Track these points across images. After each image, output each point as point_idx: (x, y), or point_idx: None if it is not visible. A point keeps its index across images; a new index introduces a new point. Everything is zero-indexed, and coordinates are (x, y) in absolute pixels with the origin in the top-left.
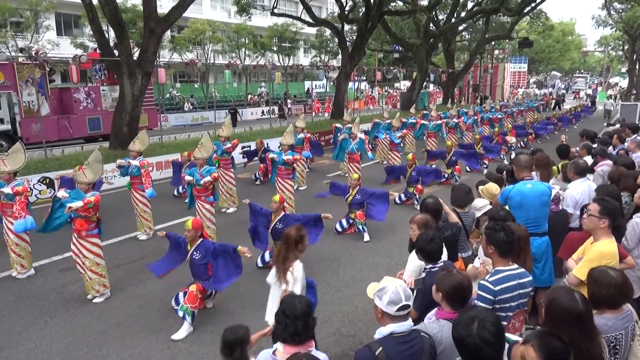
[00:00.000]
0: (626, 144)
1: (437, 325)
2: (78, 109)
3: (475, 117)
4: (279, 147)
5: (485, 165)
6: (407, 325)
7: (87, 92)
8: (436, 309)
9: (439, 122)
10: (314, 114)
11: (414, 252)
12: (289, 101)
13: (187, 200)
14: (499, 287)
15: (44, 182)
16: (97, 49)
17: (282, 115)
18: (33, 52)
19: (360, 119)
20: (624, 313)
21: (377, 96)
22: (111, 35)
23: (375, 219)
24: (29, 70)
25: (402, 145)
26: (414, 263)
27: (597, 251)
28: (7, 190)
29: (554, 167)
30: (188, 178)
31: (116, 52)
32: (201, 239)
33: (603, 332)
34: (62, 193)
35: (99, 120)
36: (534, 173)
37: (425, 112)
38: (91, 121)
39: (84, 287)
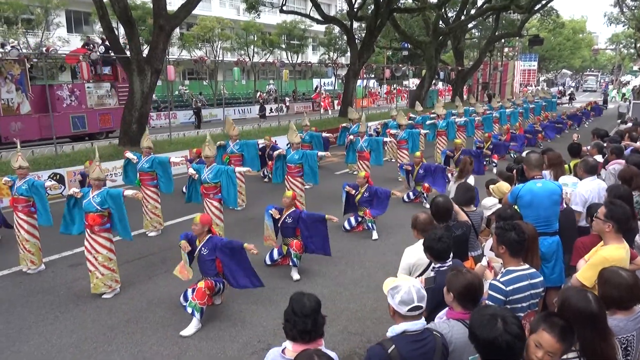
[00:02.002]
0: (638, 143)
1: (447, 325)
2: (61, 106)
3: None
4: (287, 145)
5: (494, 164)
6: (420, 324)
7: (70, 90)
8: (447, 308)
9: (464, 119)
10: (322, 110)
11: (406, 250)
12: (287, 99)
13: (186, 195)
14: (510, 287)
15: (55, 178)
16: (84, 45)
17: (263, 116)
18: (42, 49)
19: (368, 117)
20: (635, 314)
21: (381, 93)
22: (121, 32)
23: (372, 214)
24: (7, 67)
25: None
26: (405, 261)
27: (602, 256)
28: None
29: (565, 166)
30: (191, 171)
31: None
32: (209, 235)
33: (614, 333)
34: (73, 190)
35: (83, 119)
36: (545, 172)
37: (433, 112)
38: (75, 119)
39: (91, 285)
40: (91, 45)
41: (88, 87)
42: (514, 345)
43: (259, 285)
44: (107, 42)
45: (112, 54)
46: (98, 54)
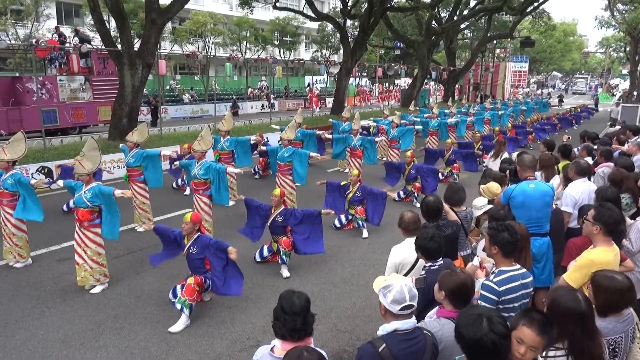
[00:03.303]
0: (626, 146)
1: (437, 323)
2: (30, 100)
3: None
4: (278, 141)
5: (484, 165)
6: (411, 322)
7: (41, 82)
8: (437, 307)
9: (455, 119)
10: (311, 108)
11: (393, 249)
12: (272, 96)
13: (186, 193)
14: (503, 288)
15: (42, 171)
16: (55, 36)
17: (235, 113)
18: (31, 40)
19: (360, 115)
20: (624, 316)
21: (373, 91)
22: (112, 25)
23: (371, 222)
24: None
25: (400, 142)
26: (392, 260)
27: (588, 258)
28: (10, 180)
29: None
30: (175, 163)
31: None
32: (198, 234)
33: (603, 335)
34: (60, 183)
35: (54, 113)
36: (537, 173)
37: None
38: (46, 113)
39: (78, 279)
40: (63, 37)
41: (60, 80)
42: (499, 345)
43: (237, 294)
44: (80, 34)
45: (87, 45)
46: (90, 46)
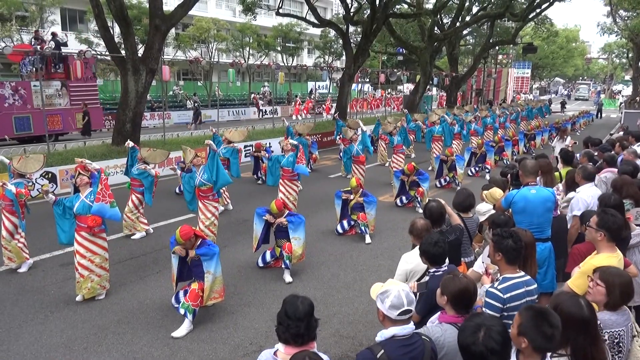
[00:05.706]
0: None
1: (439, 328)
2: (2, 106)
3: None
4: (281, 150)
5: (487, 170)
6: (409, 328)
7: (14, 88)
8: (439, 312)
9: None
10: (294, 117)
11: (403, 256)
12: (260, 102)
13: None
14: (508, 295)
15: (47, 176)
16: (33, 41)
17: (199, 122)
18: (35, 46)
19: (364, 121)
20: (624, 310)
21: (375, 95)
22: (116, 31)
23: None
24: None
25: (403, 147)
26: (402, 267)
27: (592, 265)
28: (11, 187)
29: (556, 174)
30: (179, 171)
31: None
32: (201, 239)
33: (607, 327)
34: (50, 194)
35: (28, 120)
36: (538, 179)
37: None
38: (18, 120)
39: (84, 292)
40: (40, 40)
41: (34, 86)
42: (486, 358)
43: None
44: (57, 37)
45: (62, 50)
46: (92, 52)
